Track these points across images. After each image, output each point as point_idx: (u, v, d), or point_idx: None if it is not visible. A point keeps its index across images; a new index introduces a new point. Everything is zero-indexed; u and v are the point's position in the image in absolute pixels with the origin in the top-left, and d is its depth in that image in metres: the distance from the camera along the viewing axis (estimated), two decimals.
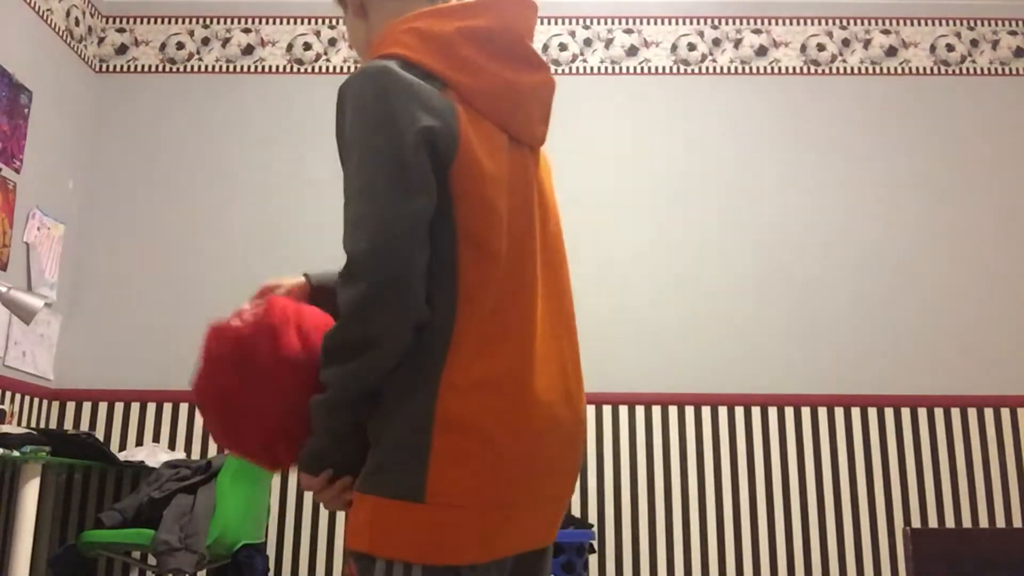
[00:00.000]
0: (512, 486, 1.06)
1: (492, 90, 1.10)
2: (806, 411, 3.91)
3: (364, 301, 1.00)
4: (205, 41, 4.35)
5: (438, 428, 1.03)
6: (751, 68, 4.31)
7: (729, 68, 4.31)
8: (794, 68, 4.31)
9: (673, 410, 3.91)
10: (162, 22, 4.37)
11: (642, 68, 4.32)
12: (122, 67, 4.31)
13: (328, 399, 1.05)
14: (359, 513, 1.06)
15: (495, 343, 1.06)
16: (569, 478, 1.15)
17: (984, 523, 3.81)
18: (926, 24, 4.37)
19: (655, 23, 4.38)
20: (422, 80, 1.06)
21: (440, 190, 1.05)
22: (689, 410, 3.91)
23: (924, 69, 4.31)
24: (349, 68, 4.31)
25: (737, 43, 4.35)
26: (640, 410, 3.91)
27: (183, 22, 4.37)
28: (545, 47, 4.34)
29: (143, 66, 4.31)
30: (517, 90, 1.13)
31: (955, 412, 3.91)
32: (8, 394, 3.56)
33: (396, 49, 1.09)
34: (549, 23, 4.38)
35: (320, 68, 4.31)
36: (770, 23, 4.37)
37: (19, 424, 3.57)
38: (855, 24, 4.37)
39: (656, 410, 3.91)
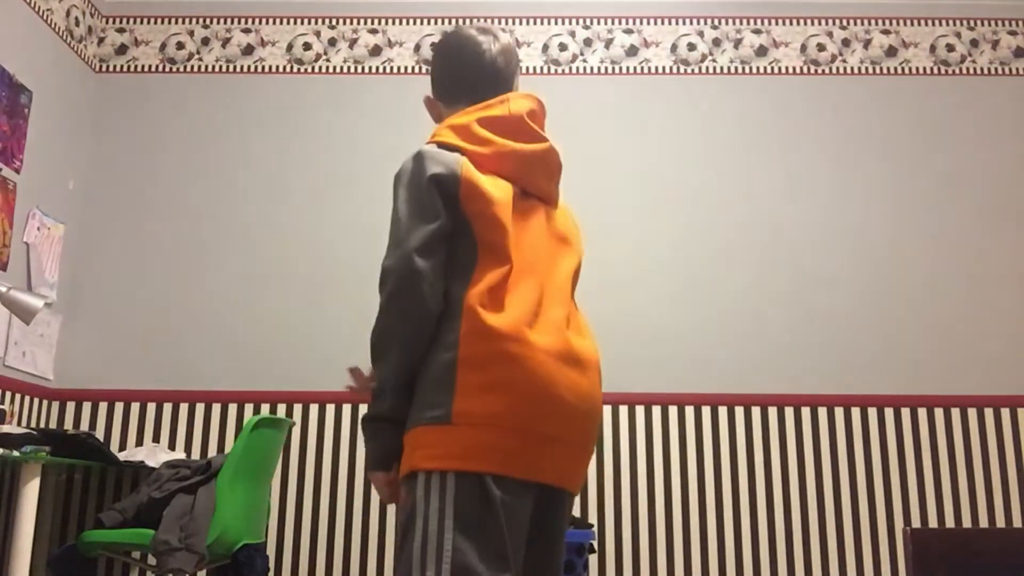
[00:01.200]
0: (521, 416, 1.36)
1: (498, 154, 1.51)
2: (806, 411, 3.91)
3: (388, 299, 1.41)
4: (205, 41, 4.35)
5: (461, 367, 1.37)
6: (751, 68, 4.31)
7: (729, 68, 4.31)
8: (794, 68, 4.31)
9: (673, 410, 3.91)
10: (162, 22, 4.37)
11: (642, 68, 4.32)
12: (122, 67, 4.31)
13: (384, 386, 1.41)
14: (406, 449, 1.40)
15: (499, 309, 1.41)
16: (581, 424, 1.43)
17: (984, 523, 3.81)
18: (926, 24, 4.37)
19: (655, 23, 4.38)
20: (444, 150, 1.49)
21: (457, 214, 1.45)
22: (689, 410, 3.91)
23: (924, 69, 4.31)
24: (349, 68, 4.31)
25: (737, 43, 4.35)
26: (640, 410, 3.91)
27: (183, 22, 4.37)
28: (545, 47, 4.34)
29: (143, 66, 4.31)
30: (519, 154, 1.53)
31: (955, 412, 3.91)
32: (8, 394, 3.56)
33: (435, 139, 1.54)
34: (549, 23, 4.38)
35: (320, 68, 4.31)
36: (770, 23, 4.38)
37: (19, 424, 3.57)
38: (855, 24, 4.37)
39: (656, 410, 3.91)
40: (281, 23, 4.37)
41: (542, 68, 4.31)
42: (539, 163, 1.55)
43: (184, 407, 3.91)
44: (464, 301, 1.40)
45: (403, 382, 1.41)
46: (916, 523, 3.81)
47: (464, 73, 1.62)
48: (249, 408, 3.91)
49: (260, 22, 4.37)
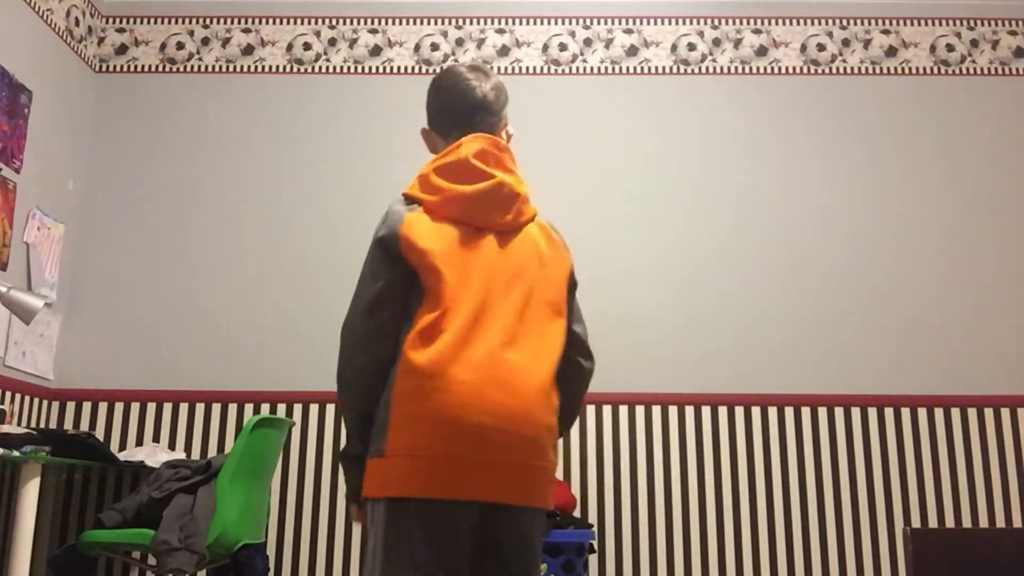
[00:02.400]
0: (438, 444, 1.50)
1: (446, 200, 1.67)
2: (806, 411, 3.91)
3: (341, 352, 1.63)
4: (205, 41, 4.35)
5: (393, 403, 1.55)
6: (751, 68, 4.31)
7: (729, 68, 4.31)
8: (794, 68, 4.31)
9: (673, 410, 3.91)
10: (162, 22, 4.37)
11: (642, 68, 4.32)
12: (122, 67, 4.31)
13: (349, 429, 1.62)
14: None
15: (426, 347, 1.56)
16: (509, 442, 1.54)
17: (984, 523, 3.81)
18: (926, 24, 4.37)
19: (655, 23, 4.38)
20: (404, 205, 1.68)
21: (406, 267, 1.61)
22: (689, 410, 3.91)
23: (924, 69, 4.31)
24: (349, 68, 4.31)
25: (737, 43, 4.35)
26: (640, 410, 3.91)
27: (183, 22, 4.37)
28: (545, 47, 4.34)
29: (143, 66, 4.31)
30: (464, 197, 1.67)
31: (955, 412, 3.92)
32: (8, 394, 3.56)
33: (406, 191, 1.72)
34: (549, 23, 4.38)
35: (320, 68, 4.31)
36: (770, 23, 4.38)
37: (19, 424, 3.57)
38: (855, 24, 4.37)
39: (656, 410, 3.91)
40: (281, 23, 4.37)
41: (542, 68, 4.31)
42: (487, 200, 1.69)
43: (184, 407, 3.91)
44: (403, 345, 1.58)
45: (361, 422, 1.60)
46: (916, 523, 3.81)
47: (455, 107, 1.77)
48: (249, 408, 3.91)
49: (260, 22, 4.38)
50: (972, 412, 3.91)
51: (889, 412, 3.91)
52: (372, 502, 1.55)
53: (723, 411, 3.91)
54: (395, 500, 1.50)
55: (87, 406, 3.91)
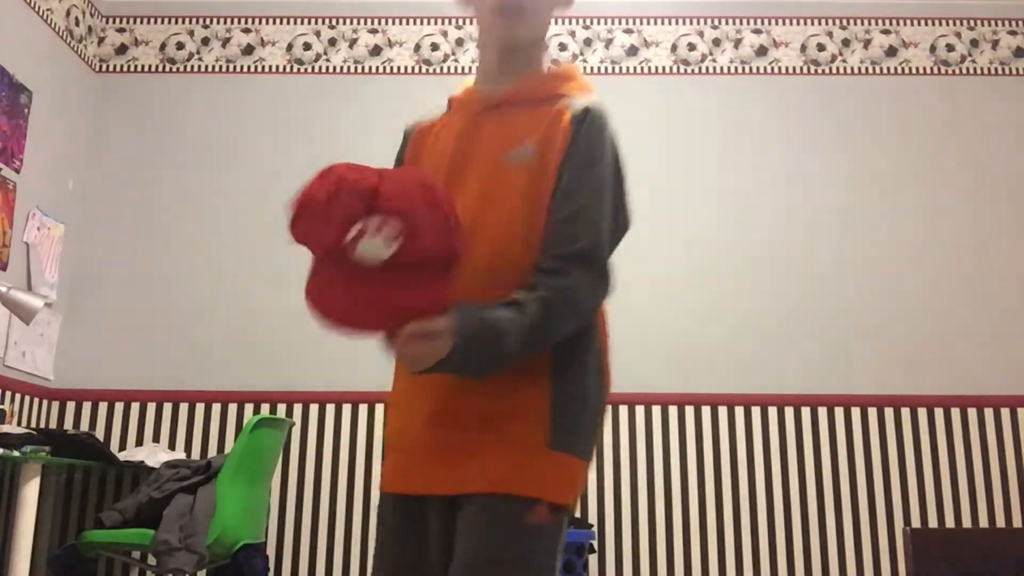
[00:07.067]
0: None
1: None
2: (806, 411, 3.91)
3: (591, 280, 1.30)
4: (205, 41, 4.35)
5: (604, 388, 1.34)
6: (751, 68, 4.31)
7: (729, 68, 4.31)
8: (794, 68, 4.31)
9: (673, 410, 3.91)
10: (162, 22, 4.37)
11: (642, 68, 4.32)
12: (122, 67, 4.31)
13: (532, 336, 1.23)
14: None
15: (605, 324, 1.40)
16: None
17: (984, 523, 3.81)
18: (926, 24, 4.37)
19: (655, 23, 4.38)
20: None
21: None
22: (689, 410, 3.91)
23: (924, 69, 4.31)
24: (349, 68, 4.31)
25: (737, 43, 4.35)
26: (640, 410, 3.91)
27: (183, 22, 4.37)
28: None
29: (143, 66, 4.31)
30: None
31: (955, 412, 3.91)
32: (8, 394, 3.56)
33: (592, 92, 1.52)
34: (549, 23, 4.37)
35: (320, 68, 4.31)
36: (770, 23, 4.37)
37: (19, 424, 3.57)
38: (855, 24, 4.37)
39: (656, 410, 3.91)
40: (281, 23, 4.37)
41: None
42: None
43: (184, 407, 3.91)
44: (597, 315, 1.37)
45: (531, 352, 1.25)
46: (916, 523, 3.81)
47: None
48: (249, 408, 3.91)
49: (260, 22, 4.37)
50: (972, 412, 3.91)
51: (889, 412, 3.91)
52: (553, 509, 1.24)
53: (723, 411, 3.91)
54: (568, 511, 1.27)
55: (87, 406, 3.91)
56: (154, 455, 3.61)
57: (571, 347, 1.28)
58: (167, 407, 3.91)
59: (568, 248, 1.26)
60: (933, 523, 3.81)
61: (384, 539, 1.35)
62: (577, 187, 1.29)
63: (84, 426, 3.87)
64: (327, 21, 4.38)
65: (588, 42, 4.35)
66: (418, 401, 1.31)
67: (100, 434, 3.87)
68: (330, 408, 3.91)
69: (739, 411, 3.91)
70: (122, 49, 4.33)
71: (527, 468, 1.23)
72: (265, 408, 3.91)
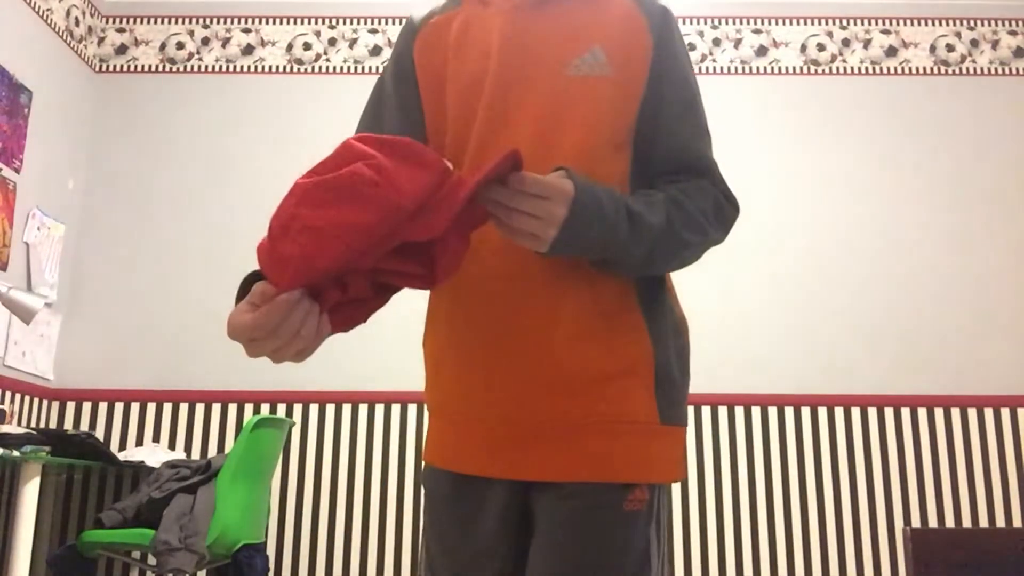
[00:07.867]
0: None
1: None
2: (806, 411, 3.91)
3: (728, 221, 1.33)
4: (205, 41, 4.35)
5: (684, 349, 1.35)
6: (751, 68, 4.31)
7: (729, 68, 4.31)
8: (794, 68, 4.31)
9: None
10: (162, 22, 4.37)
11: None
12: (122, 67, 4.31)
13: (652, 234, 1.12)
14: None
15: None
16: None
17: (984, 523, 3.81)
18: (926, 24, 4.37)
19: None
20: None
21: None
22: (689, 410, 3.91)
23: (924, 69, 4.31)
24: (349, 68, 4.30)
25: (737, 43, 4.35)
26: None
27: (183, 22, 4.37)
28: None
29: (143, 66, 4.31)
30: None
31: (955, 412, 3.91)
32: (8, 394, 3.56)
33: None
34: None
35: (320, 68, 4.31)
36: (770, 23, 4.37)
37: (19, 424, 3.57)
38: (855, 24, 4.37)
39: None
40: (281, 23, 4.37)
41: None
42: None
43: (184, 407, 3.91)
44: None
45: (643, 272, 1.18)
46: (916, 523, 3.81)
47: None
48: (249, 408, 3.91)
49: (260, 22, 4.37)
50: (972, 412, 3.91)
51: (889, 412, 3.91)
52: (659, 489, 1.11)
53: (723, 411, 3.91)
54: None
55: (87, 406, 3.91)
56: (154, 455, 3.61)
57: (657, 297, 1.20)
58: (167, 407, 3.91)
59: (698, 165, 1.19)
60: (933, 523, 3.81)
61: (444, 526, 1.14)
62: (684, 103, 1.18)
63: (84, 426, 3.87)
64: (327, 21, 4.38)
65: None
66: (492, 353, 1.08)
67: (100, 434, 3.87)
68: (330, 408, 3.90)
69: (739, 411, 3.91)
70: (122, 49, 4.33)
71: (643, 452, 1.08)
72: (265, 408, 3.90)
